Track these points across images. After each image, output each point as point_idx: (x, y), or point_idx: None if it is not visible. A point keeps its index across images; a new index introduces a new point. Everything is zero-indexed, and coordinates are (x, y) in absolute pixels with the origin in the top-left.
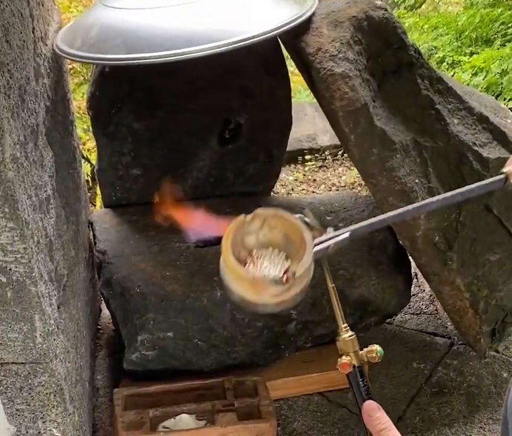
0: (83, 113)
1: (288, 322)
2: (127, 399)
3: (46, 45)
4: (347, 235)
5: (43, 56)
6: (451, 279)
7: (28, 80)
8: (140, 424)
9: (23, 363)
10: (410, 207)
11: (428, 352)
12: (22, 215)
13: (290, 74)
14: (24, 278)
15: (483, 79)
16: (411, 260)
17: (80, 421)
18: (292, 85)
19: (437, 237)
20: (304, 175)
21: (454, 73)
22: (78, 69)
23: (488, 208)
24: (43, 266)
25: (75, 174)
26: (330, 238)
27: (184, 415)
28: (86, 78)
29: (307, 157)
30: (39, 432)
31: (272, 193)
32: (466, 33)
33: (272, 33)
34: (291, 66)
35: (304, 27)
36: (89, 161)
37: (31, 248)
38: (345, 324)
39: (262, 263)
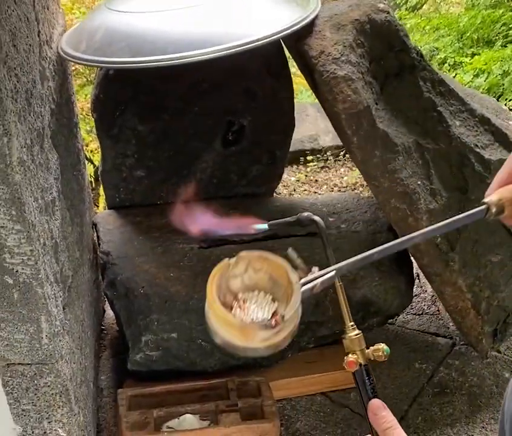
0: (86, 114)
1: None
2: (131, 400)
3: (51, 48)
4: (332, 273)
5: (48, 59)
6: (453, 280)
7: (35, 84)
8: (144, 424)
9: (29, 364)
10: (393, 243)
11: (430, 352)
12: (28, 218)
13: (292, 75)
14: (31, 279)
15: (485, 81)
16: (413, 261)
17: (85, 421)
18: (293, 86)
19: (439, 238)
20: (306, 176)
21: (456, 74)
22: (81, 70)
23: None
24: (49, 268)
25: (79, 176)
26: (316, 278)
27: (188, 415)
28: (89, 79)
29: (309, 157)
30: (45, 432)
31: (274, 194)
32: (468, 34)
33: (275, 36)
34: (293, 67)
35: (307, 30)
36: (92, 163)
37: (38, 250)
38: (352, 323)
39: (249, 307)
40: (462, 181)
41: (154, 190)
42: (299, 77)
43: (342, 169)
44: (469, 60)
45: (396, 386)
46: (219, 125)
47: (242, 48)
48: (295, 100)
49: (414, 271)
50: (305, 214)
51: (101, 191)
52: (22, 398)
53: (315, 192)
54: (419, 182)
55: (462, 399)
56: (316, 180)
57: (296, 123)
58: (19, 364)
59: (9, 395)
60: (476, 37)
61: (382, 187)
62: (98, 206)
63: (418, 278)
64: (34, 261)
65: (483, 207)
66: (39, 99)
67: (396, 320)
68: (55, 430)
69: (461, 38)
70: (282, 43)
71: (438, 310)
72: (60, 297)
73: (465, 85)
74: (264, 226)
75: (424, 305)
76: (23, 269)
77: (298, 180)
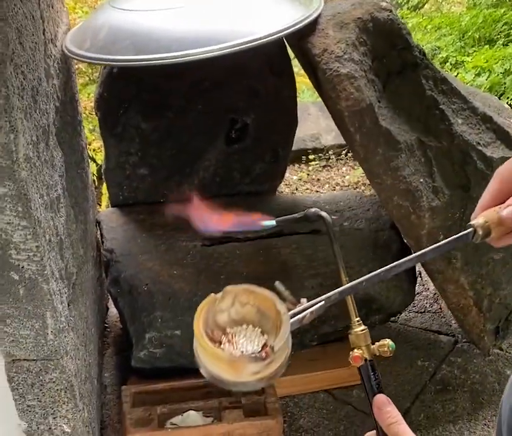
0: (89, 113)
1: None
2: (135, 397)
3: (56, 46)
4: (321, 303)
5: (53, 57)
6: (455, 277)
7: (40, 81)
8: (148, 420)
9: (34, 360)
10: (380, 270)
11: (432, 350)
12: (34, 214)
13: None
14: (36, 275)
15: (486, 79)
16: None
17: (89, 418)
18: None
19: (441, 235)
20: (308, 174)
21: (458, 73)
22: (84, 69)
23: None
24: (54, 264)
25: (83, 174)
26: (305, 309)
27: (191, 412)
28: (91, 78)
29: (311, 156)
30: (50, 428)
31: (276, 193)
32: (470, 33)
33: (279, 34)
34: (296, 67)
35: (310, 29)
36: (95, 161)
37: (43, 246)
38: (358, 318)
39: (238, 341)
40: (464, 179)
41: (157, 188)
42: (302, 76)
43: (344, 168)
44: (471, 59)
45: (398, 383)
46: (223, 123)
47: (246, 45)
48: (297, 99)
49: (417, 269)
50: (313, 209)
51: (103, 189)
52: (27, 394)
53: (317, 191)
54: (421, 180)
55: (464, 397)
56: (318, 179)
57: (298, 122)
58: (24, 360)
59: (14, 390)
60: (478, 36)
61: (385, 184)
62: (100, 205)
63: (420, 276)
64: (40, 257)
65: (469, 230)
66: (44, 96)
67: (398, 317)
68: (60, 426)
69: (463, 37)
70: (285, 42)
71: (440, 308)
72: (65, 293)
73: (467, 84)
74: (272, 222)
75: (426, 303)
76: (29, 265)
77: (300, 179)
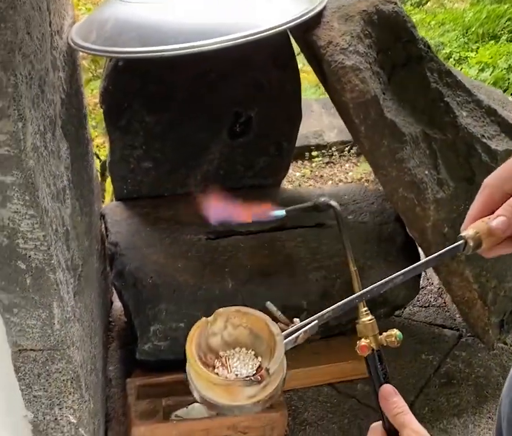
0: (92, 109)
1: (299, 312)
2: (140, 389)
3: (62, 38)
4: (314, 322)
5: (59, 49)
6: (460, 270)
7: (47, 72)
8: (153, 413)
9: (41, 350)
10: (374, 285)
11: (436, 344)
12: (41, 203)
13: None
14: (43, 265)
15: (490, 75)
16: (421, 253)
17: (95, 409)
18: None
19: (446, 228)
20: (311, 171)
21: (461, 69)
22: (87, 66)
23: None
24: (60, 254)
25: (88, 167)
26: (298, 329)
27: (196, 404)
28: (94, 75)
29: (314, 153)
30: (56, 419)
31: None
32: (473, 29)
33: (284, 26)
34: (300, 63)
35: (315, 21)
36: (98, 157)
37: (50, 236)
38: (366, 308)
39: (232, 365)
40: (469, 172)
41: (161, 181)
42: (305, 72)
43: (347, 165)
44: (475, 54)
45: (402, 376)
46: (227, 116)
47: (253, 38)
48: None
49: None
50: (322, 199)
51: (106, 186)
52: (33, 384)
53: (320, 187)
54: (426, 172)
55: (468, 390)
56: (321, 176)
57: None
58: (31, 350)
59: (21, 380)
60: (481, 32)
61: (390, 176)
62: (103, 201)
63: (424, 271)
64: (47, 246)
65: (460, 242)
66: (51, 86)
67: (402, 312)
68: (66, 416)
69: (466, 33)
70: (289, 35)
71: (444, 303)
72: (71, 284)
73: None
74: (282, 212)
75: (431, 297)
76: (35, 254)
77: (303, 176)
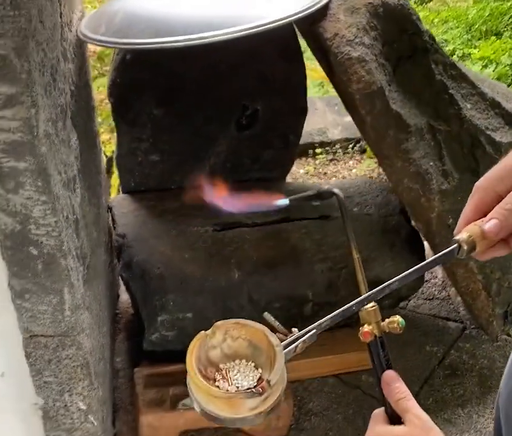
0: (98, 105)
1: (304, 303)
2: (147, 379)
3: (71, 31)
4: (313, 331)
5: (68, 41)
6: (465, 261)
7: (59, 61)
8: (161, 401)
9: (52, 336)
10: (371, 292)
11: (440, 336)
12: (53, 190)
13: None
14: (55, 251)
15: (493, 71)
16: (425, 245)
17: (103, 397)
18: None
19: (450, 219)
20: (315, 168)
21: (465, 65)
22: (93, 63)
23: None
24: (71, 242)
25: (96, 159)
26: (297, 338)
27: None
28: (100, 72)
29: (318, 150)
30: (65, 405)
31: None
32: (476, 26)
33: (292, 18)
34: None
35: (321, 13)
36: (104, 153)
37: (61, 222)
38: None
39: (232, 377)
40: (473, 163)
41: (168, 174)
42: (308, 70)
43: (350, 162)
44: (478, 51)
45: (407, 368)
46: (234, 109)
47: (262, 28)
48: None
49: (426, 254)
50: (326, 187)
51: (112, 181)
52: (44, 370)
53: (326, 182)
54: (431, 163)
55: (472, 381)
56: (325, 173)
57: None
58: (41, 336)
59: (32, 366)
60: (485, 29)
61: (395, 167)
62: (109, 196)
63: None
64: (58, 232)
65: (454, 246)
66: (62, 75)
67: (407, 304)
68: (75, 402)
69: (469, 30)
70: (295, 29)
71: (448, 296)
72: (81, 272)
73: None
74: (286, 201)
75: (435, 290)
76: (47, 240)
77: (307, 173)
